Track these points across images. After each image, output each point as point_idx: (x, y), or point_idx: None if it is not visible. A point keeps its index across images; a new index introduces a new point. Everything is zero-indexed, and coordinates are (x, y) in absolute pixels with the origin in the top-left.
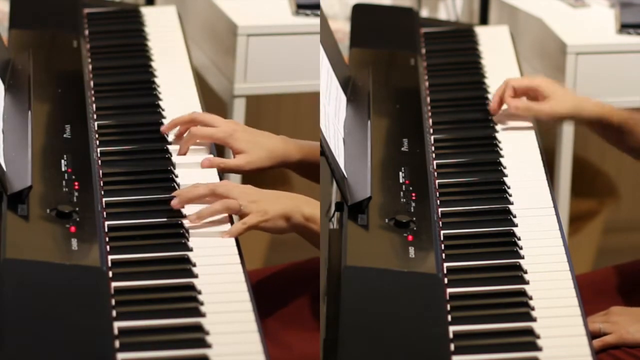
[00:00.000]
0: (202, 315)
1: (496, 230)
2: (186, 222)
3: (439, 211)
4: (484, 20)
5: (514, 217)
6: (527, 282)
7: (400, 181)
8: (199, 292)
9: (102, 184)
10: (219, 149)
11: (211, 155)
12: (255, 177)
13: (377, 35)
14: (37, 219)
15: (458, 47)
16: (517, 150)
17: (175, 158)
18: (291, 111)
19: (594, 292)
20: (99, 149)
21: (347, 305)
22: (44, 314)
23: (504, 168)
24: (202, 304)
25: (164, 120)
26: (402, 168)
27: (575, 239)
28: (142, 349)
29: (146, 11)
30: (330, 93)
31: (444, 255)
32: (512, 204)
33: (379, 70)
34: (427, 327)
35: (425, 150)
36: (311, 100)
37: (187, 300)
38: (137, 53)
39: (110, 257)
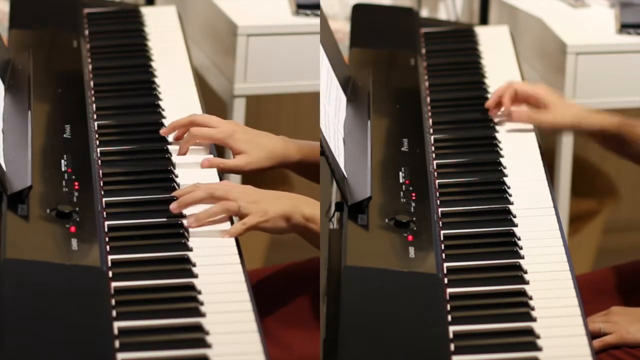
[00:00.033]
0: (202, 315)
1: (496, 230)
2: (186, 222)
3: (439, 211)
4: (484, 20)
5: (514, 217)
6: (527, 282)
7: (400, 181)
8: (199, 292)
9: (102, 184)
10: (219, 149)
11: (211, 156)
12: (255, 177)
13: (377, 35)
14: (37, 219)
15: (458, 47)
16: (517, 150)
17: (175, 158)
18: (291, 111)
19: (594, 292)
20: (99, 149)
21: (347, 305)
22: (44, 314)
23: (504, 168)
24: (202, 304)
25: (163, 120)
26: (402, 168)
27: (575, 239)
28: (142, 349)
29: (146, 11)
30: (330, 93)
31: (444, 255)
32: (512, 204)
33: (379, 70)
34: (427, 327)
35: (425, 150)
36: (311, 100)
37: (187, 300)
38: (137, 53)
39: (110, 257)
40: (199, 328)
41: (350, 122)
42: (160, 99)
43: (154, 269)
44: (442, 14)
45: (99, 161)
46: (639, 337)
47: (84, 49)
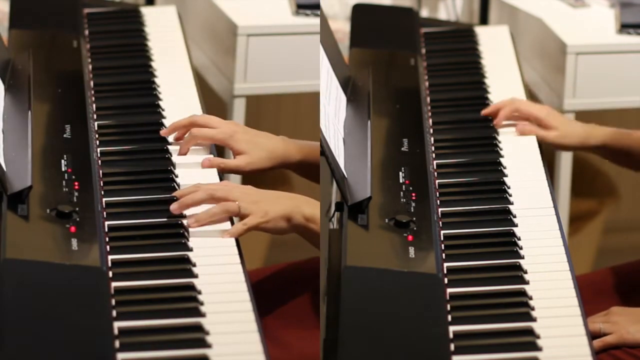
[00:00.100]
0: (202, 315)
1: (496, 230)
2: (186, 222)
3: (439, 211)
4: (484, 20)
5: (514, 217)
6: (527, 282)
7: (400, 181)
8: (199, 292)
9: (102, 184)
10: (219, 150)
11: (211, 156)
12: (255, 177)
13: (377, 35)
14: (37, 219)
15: (458, 47)
16: (517, 150)
17: (175, 158)
18: (291, 111)
19: (594, 292)
20: (99, 149)
21: (347, 305)
22: (44, 314)
23: (504, 168)
24: (202, 304)
25: (164, 120)
26: (402, 168)
27: (575, 239)
28: (142, 349)
29: (146, 11)
30: (330, 93)
31: (444, 255)
32: (512, 204)
33: (379, 70)
34: (427, 327)
35: (425, 150)
36: (311, 100)
37: (187, 300)
38: (137, 53)
39: (110, 257)
40: (199, 328)
41: (350, 122)
42: (160, 99)
43: (154, 269)
44: (442, 14)
45: (99, 161)
46: (639, 337)
47: (84, 49)
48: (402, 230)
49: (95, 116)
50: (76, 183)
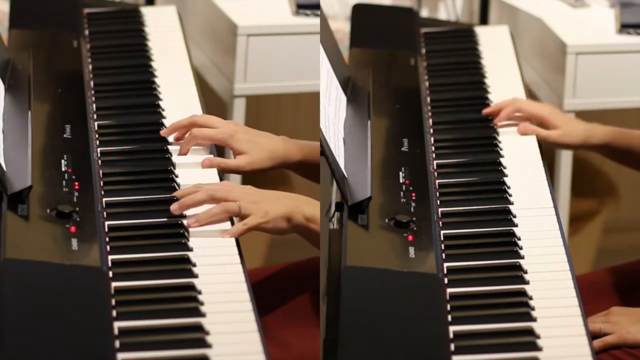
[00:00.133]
0: (202, 315)
1: (496, 230)
2: (186, 222)
3: (439, 211)
4: (484, 20)
5: (514, 217)
6: (527, 282)
7: (400, 181)
8: (199, 292)
9: (102, 184)
10: (219, 149)
11: (211, 156)
12: (255, 177)
13: (377, 35)
14: (37, 219)
15: (458, 47)
16: (517, 150)
17: (175, 158)
18: (291, 111)
19: (594, 293)
20: (99, 149)
21: (347, 305)
22: (44, 314)
23: (504, 168)
24: (202, 304)
25: (164, 120)
26: (402, 168)
27: (575, 239)
28: (142, 349)
29: (146, 11)
30: (330, 93)
31: (444, 255)
32: (512, 204)
33: (379, 70)
34: (427, 327)
35: (425, 150)
36: (311, 100)
37: (187, 300)
38: (137, 53)
39: (110, 257)
40: (199, 328)
41: (350, 122)
42: (160, 99)
43: (154, 269)
44: (442, 14)
45: (99, 161)
46: (639, 337)
47: (84, 49)
48: (402, 230)
49: (95, 116)
50: (76, 183)
